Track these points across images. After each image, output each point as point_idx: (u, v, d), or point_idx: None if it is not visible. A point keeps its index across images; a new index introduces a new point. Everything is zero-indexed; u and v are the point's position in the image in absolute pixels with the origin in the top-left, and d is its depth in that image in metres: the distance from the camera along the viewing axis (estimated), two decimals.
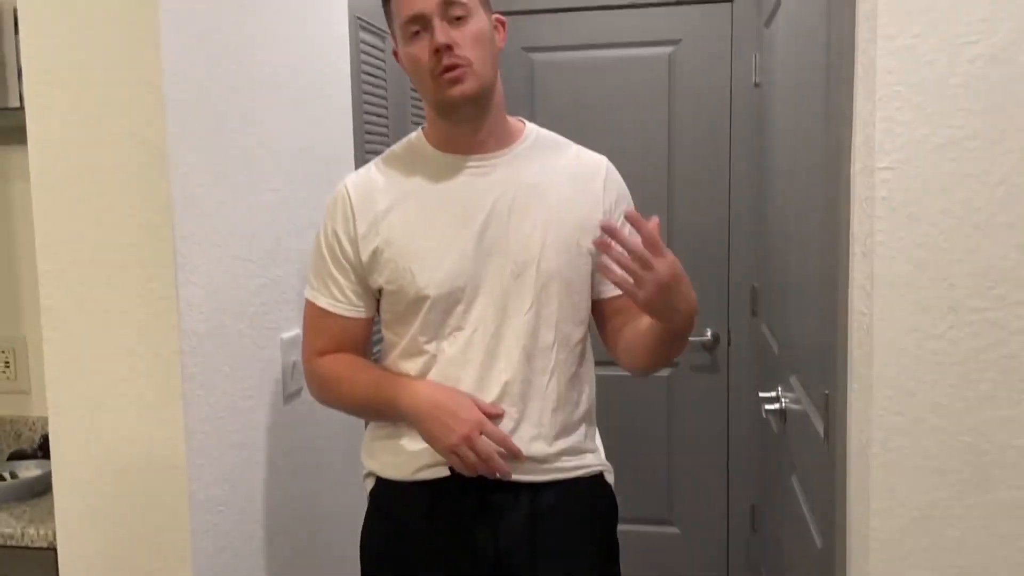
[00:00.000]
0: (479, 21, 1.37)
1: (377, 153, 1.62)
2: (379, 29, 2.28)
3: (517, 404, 1.40)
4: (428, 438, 1.37)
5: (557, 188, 1.43)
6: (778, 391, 2.04)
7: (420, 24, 1.35)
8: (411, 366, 1.43)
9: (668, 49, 2.86)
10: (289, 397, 1.70)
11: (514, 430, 1.39)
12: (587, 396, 1.50)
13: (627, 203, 1.51)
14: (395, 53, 1.44)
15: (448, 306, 1.39)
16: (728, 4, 2.80)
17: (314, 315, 1.48)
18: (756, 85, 2.77)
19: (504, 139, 1.45)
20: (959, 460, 1.17)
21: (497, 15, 1.44)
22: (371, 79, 2.23)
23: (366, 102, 2.19)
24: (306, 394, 1.73)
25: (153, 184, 1.32)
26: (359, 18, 2.14)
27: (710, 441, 2.98)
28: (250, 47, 1.55)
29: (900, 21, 1.13)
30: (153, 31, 1.30)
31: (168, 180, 1.32)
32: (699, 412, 2.98)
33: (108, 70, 1.31)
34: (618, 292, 1.43)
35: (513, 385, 1.39)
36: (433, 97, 1.38)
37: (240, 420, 1.53)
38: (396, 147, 1.51)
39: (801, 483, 1.78)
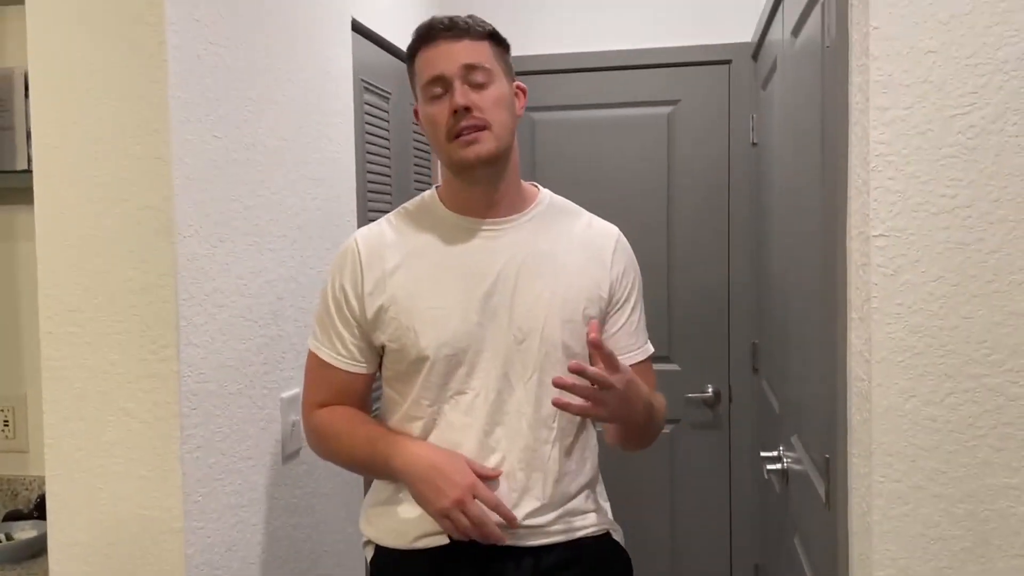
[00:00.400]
0: (500, 87, 1.39)
1: (381, 213, 1.64)
2: (382, 90, 2.32)
3: (518, 474, 1.39)
4: (420, 500, 1.35)
5: (566, 256, 1.44)
6: (779, 451, 2.02)
7: (441, 85, 1.37)
8: (412, 428, 1.42)
9: (667, 109, 2.90)
10: (288, 457, 1.70)
11: (517, 501, 1.38)
12: (590, 465, 1.49)
13: (635, 274, 1.52)
14: (416, 112, 1.46)
15: (449, 368, 1.39)
16: (726, 66, 2.85)
17: (315, 366, 1.48)
18: (754, 144, 2.81)
19: (518, 204, 1.46)
20: (960, 528, 1.16)
21: (519, 83, 1.46)
22: (374, 139, 2.26)
23: (369, 162, 2.22)
24: (305, 454, 1.72)
25: (157, 247, 1.34)
26: (363, 80, 2.18)
27: (713, 498, 2.95)
28: (255, 111, 1.58)
29: (892, 93, 1.15)
30: (160, 96, 1.32)
31: (172, 243, 1.33)
32: (701, 469, 2.95)
33: (115, 134, 1.33)
34: None
35: (514, 453, 1.39)
36: (448, 158, 1.39)
37: (238, 481, 1.52)
38: (409, 204, 1.51)
39: (803, 545, 1.75)
